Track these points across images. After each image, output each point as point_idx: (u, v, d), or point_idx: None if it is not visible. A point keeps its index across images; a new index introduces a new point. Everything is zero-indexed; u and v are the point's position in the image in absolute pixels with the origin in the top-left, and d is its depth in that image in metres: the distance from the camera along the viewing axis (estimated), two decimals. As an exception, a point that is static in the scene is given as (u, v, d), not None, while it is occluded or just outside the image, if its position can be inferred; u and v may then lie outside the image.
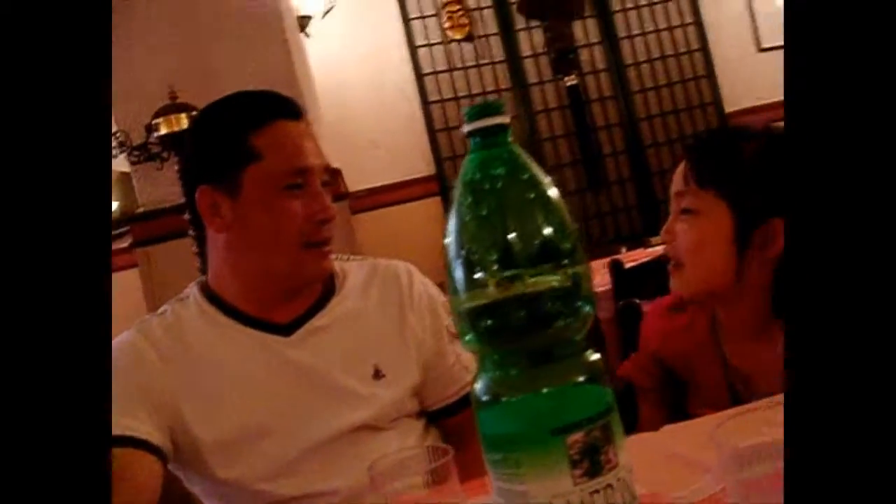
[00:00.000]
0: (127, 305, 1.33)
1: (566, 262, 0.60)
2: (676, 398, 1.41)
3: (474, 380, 0.63)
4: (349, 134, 4.23)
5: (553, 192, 0.63)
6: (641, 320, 1.56)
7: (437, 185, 4.41)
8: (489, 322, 0.60)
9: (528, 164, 0.63)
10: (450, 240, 0.62)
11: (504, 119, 0.61)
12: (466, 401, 1.32)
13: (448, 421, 1.38)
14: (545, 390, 0.60)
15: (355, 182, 4.09)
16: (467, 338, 0.61)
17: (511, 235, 0.60)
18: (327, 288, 1.38)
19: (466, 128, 0.62)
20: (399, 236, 3.58)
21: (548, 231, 0.60)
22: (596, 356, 0.63)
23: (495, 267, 0.59)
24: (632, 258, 2.85)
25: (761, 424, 0.74)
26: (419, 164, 4.49)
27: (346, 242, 3.14)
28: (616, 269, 2.44)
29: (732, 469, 0.71)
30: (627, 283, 2.35)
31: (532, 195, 0.62)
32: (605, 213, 4.76)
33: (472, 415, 0.64)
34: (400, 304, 1.38)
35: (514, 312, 0.59)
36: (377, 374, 1.32)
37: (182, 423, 1.26)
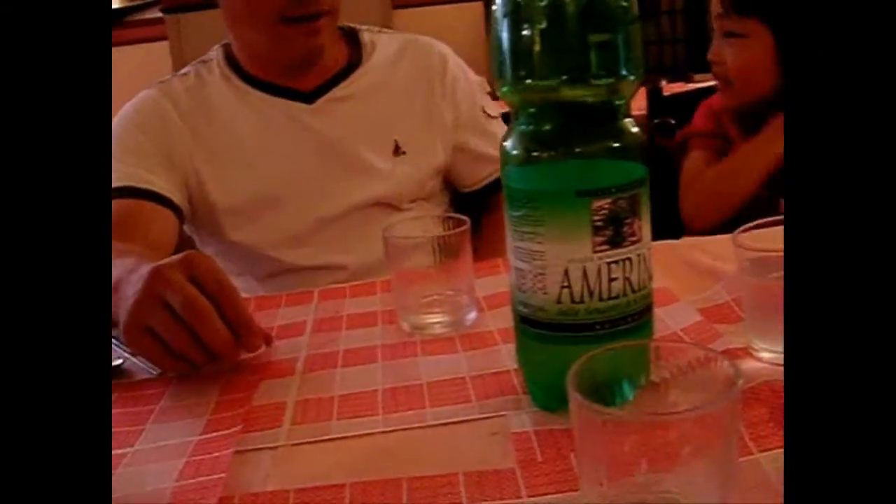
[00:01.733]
0: (155, 77, 1.31)
1: (619, 20, 0.56)
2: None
3: (507, 134, 0.60)
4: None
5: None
6: (673, 143, 1.69)
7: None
8: (530, 66, 0.56)
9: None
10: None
11: None
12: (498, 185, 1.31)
13: (480, 201, 1.37)
14: (577, 150, 0.57)
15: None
16: (504, 88, 0.58)
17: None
18: (353, 58, 1.34)
19: None
20: (437, 37, 3.47)
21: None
22: (636, 129, 0.60)
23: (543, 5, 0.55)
24: (671, 90, 2.77)
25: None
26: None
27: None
28: (654, 95, 2.37)
29: (750, 271, 0.70)
30: (663, 110, 2.29)
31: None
32: (652, 43, 4.58)
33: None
34: (429, 84, 1.34)
35: (555, 55, 0.55)
36: (397, 150, 1.29)
37: (199, 183, 1.26)
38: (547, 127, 0.58)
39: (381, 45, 1.36)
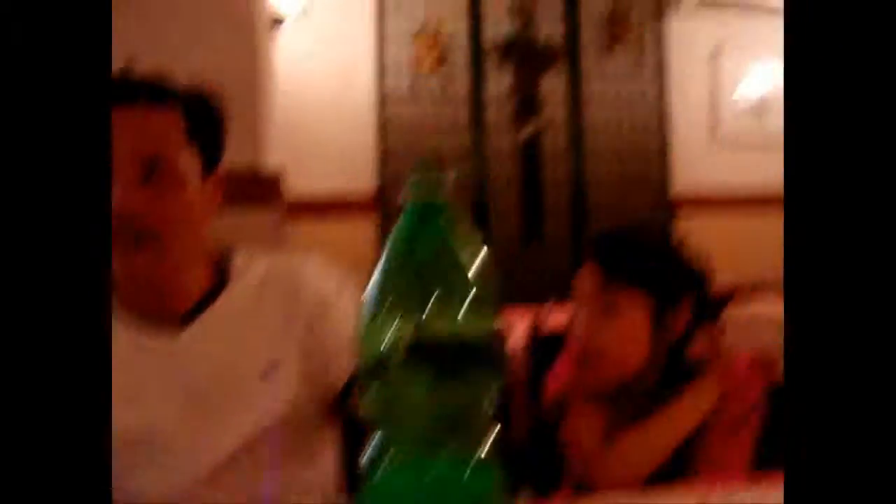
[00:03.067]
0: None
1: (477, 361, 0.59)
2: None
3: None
4: (299, 141, 4.14)
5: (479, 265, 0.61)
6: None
7: (378, 209, 4.37)
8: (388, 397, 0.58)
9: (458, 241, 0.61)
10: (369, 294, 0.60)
11: (445, 199, 0.60)
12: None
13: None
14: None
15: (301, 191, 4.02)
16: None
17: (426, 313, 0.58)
18: (216, 282, 1.31)
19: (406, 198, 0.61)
20: (331, 254, 3.54)
21: (464, 321, 0.59)
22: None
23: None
24: (557, 311, 2.82)
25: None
26: (363, 184, 4.44)
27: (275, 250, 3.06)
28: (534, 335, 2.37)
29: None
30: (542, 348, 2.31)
31: (457, 275, 0.60)
32: (541, 269, 4.75)
33: None
34: (287, 307, 1.31)
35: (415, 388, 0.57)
36: (267, 373, 1.26)
37: None
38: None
39: (253, 266, 1.35)
